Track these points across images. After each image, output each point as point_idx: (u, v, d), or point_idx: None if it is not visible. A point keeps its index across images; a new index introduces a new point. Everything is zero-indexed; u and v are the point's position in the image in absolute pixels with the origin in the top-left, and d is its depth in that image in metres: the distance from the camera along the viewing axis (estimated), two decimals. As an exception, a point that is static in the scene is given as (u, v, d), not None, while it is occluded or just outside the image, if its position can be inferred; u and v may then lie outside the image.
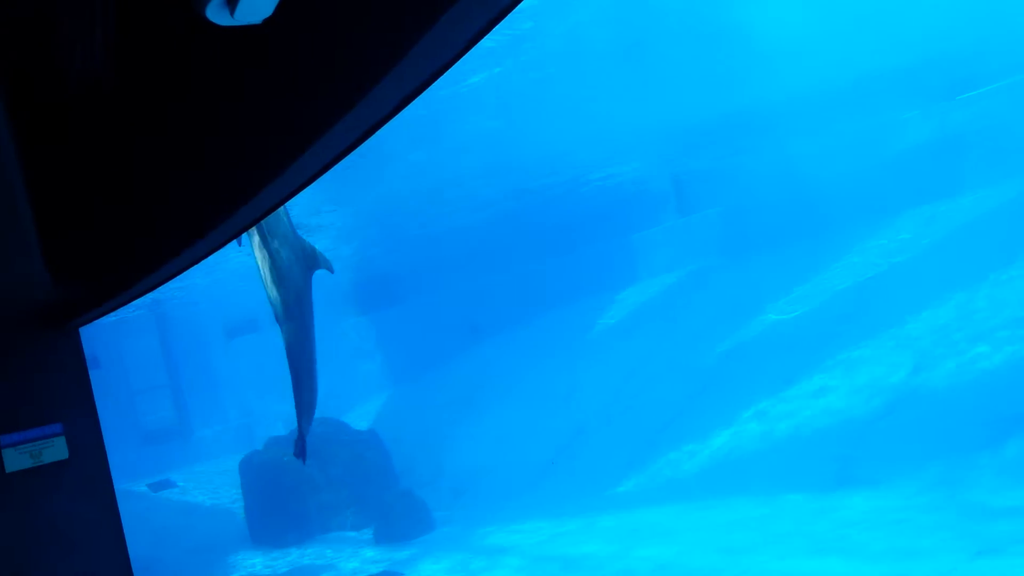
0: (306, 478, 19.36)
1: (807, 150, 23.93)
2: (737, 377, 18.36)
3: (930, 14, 17.50)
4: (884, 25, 17.67)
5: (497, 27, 1.48)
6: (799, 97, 20.82)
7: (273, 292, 9.22)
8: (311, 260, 9.42)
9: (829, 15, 16.64)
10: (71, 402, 4.18)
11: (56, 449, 4.14)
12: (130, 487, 25.92)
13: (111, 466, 4.51)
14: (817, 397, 16.11)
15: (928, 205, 20.86)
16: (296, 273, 9.19)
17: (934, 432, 13.41)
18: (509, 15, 1.43)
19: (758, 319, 20.15)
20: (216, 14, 1.39)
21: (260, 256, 9.12)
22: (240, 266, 23.87)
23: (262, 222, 8.73)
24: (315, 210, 20.16)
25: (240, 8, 1.35)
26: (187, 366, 33.90)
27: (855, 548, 11.06)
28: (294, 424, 20.54)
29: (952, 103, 22.82)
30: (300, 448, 10.24)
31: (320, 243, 23.63)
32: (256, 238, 8.98)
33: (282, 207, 9.26)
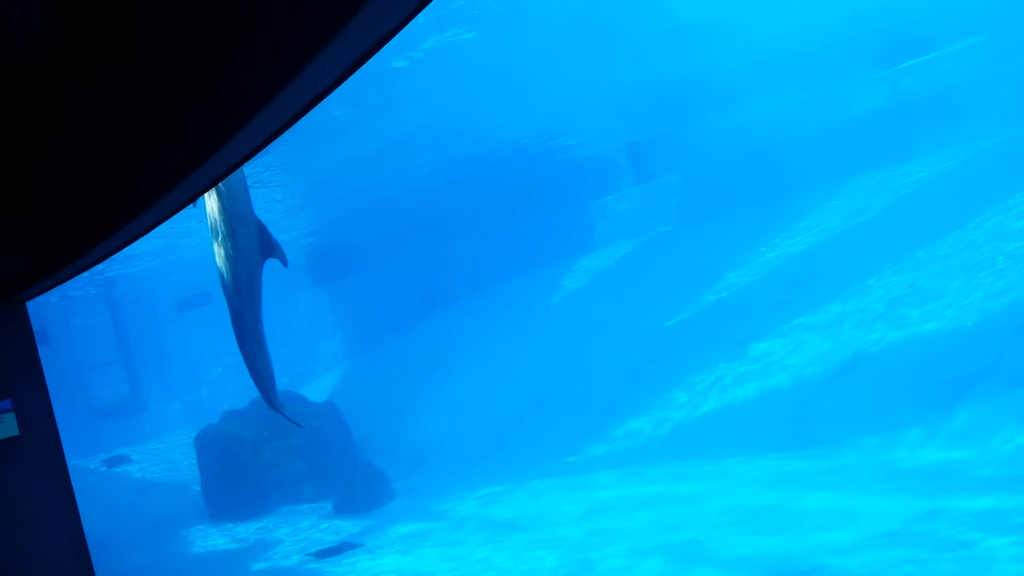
0: (263, 451, 19.27)
1: (761, 116, 24.10)
2: (695, 343, 18.57)
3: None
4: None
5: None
6: (752, 64, 20.92)
7: (226, 269, 9.13)
8: (267, 246, 9.34)
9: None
10: (20, 378, 4.08)
11: (6, 426, 4.04)
12: (84, 463, 25.58)
13: (64, 442, 4.43)
14: (772, 361, 16.36)
15: (879, 170, 21.18)
16: (251, 255, 9.10)
17: (886, 394, 13.71)
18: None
19: (715, 285, 20.37)
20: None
21: (216, 232, 9.01)
22: (191, 238, 23.48)
23: (224, 197, 8.63)
24: (266, 180, 19.86)
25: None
26: (139, 340, 33.43)
27: (808, 510, 11.30)
28: (249, 398, 20.42)
29: (900, 69, 23.11)
30: (283, 416, 10.29)
31: (272, 214, 23.33)
32: (215, 214, 8.87)
33: (245, 185, 9.15)
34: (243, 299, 9.27)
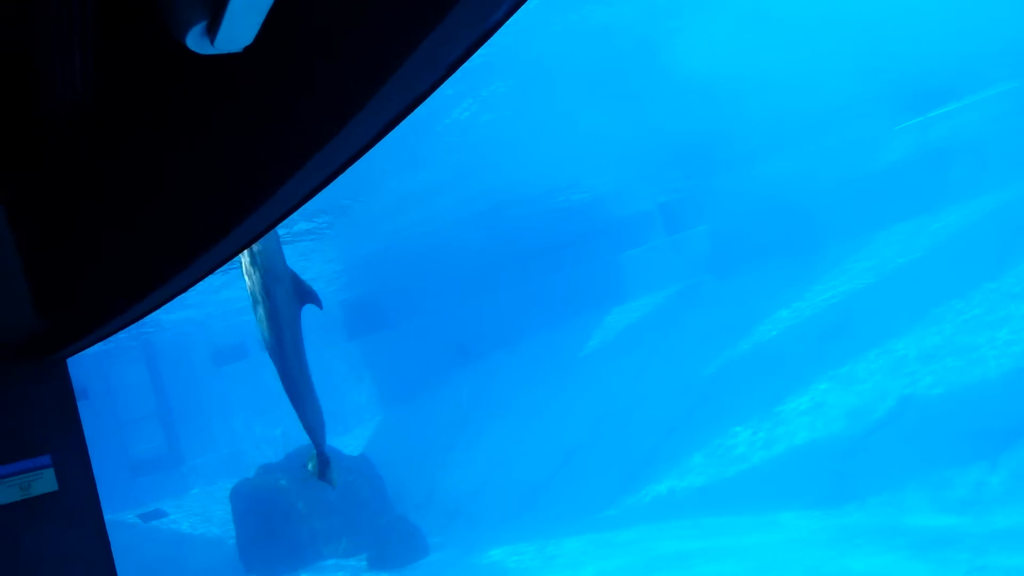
0: (298, 505, 19.23)
1: (791, 168, 24.08)
2: (728, 395, 18.36)
3: (906, 32, 17.68)
4: (863, 43, 17.85)
5: (481, 51, 1.49)
6: (782, 116, 20.98)
7: (266, 328, 9.26)
8: (302, 295, 9.48)
9: (810, 35, 16.80)
10: (59, 434, 4.15)
11: (45, 481, 4.10)
12: (120, 518, 25.67)
13: (101, 497, 4.47)
14: (808, 413, 16.11)
15: (912, 220, 21.00)
16: (290, 311, 9.24)
17: (925, 446, 13.42)
18: (492, 39, 1.43)
19: (748, 336, 20.19)
20: (196, 43, 1.39)
21: (254, 291, 9.16)
22: (227, 293, 23.79)
23: (257, 257, 8.82)
24: (302, 232, 20.14)
25: (220, 37, 1.36)
26: (176, 395, 33.68)
27: (850, 564, 11.03)
28: (284, 451, 20.45)
29: (929, 118, 23.04)
30: (322, 469, 10.34)
31: (307, 266, 23.60)
32: (251, 275, 9.05)
33: (278, 243, 9.34)
34: (288, 354, 9.39)
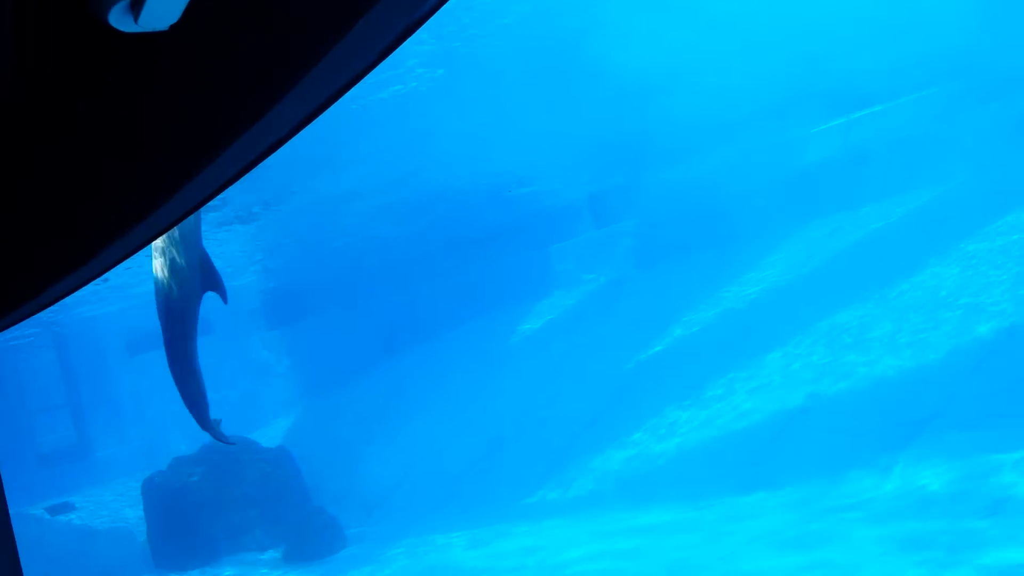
0: (213, 498, 18.82)
1: (717, 165, 24.55)
2: (652, 385, 18.64)
3: (831, 38, 18.18)
4: (789, 47, 18.28)
5: (414, 40, 1.47)
6: (710, 114, 21.34)
7: (164, 287, 8.91)
8: (209, 277, 9.14)
9: (739, 36, 17.14)
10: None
11: (-56, 473, 3.93)
12: (27, 510, 24.77)
13: (6, 489, 4.30)
14: (726, 405, 16.48)
15: (829, 219, 21.64)
16: (192, 280, 8.91)
17: (836, 437, 13.87)
18: (424, 26, 1.42)
19: (673, 327, 20.53)
20: (119, 20, 1.34)
21: (158, 257, 8.86)
22: (144, 281, 23.13)
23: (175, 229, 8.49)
24: (222, 221, 19.71)
25: (145, 14, 1.31)
26: (88, 384, 32.64)
27: (763, 550, 11.33)
28: (198, 444, 20.00)
29: (850, 120, 23.75)
30: (218, 434, 9.87)
31: (228, 255, 23.09)
32: (162, 244, 8.72)
33: (197, 216, 9.00)
34: (175, 319, 9.03)
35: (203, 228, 9.96)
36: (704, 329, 19.77)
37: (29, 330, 26.53)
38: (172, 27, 1.39)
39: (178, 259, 8.74)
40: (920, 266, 17.08)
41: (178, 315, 9.01)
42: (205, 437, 20.11)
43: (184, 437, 27.35)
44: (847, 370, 15.27)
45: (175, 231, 8.60)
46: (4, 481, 4.32)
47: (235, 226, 20.58)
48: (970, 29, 18.70)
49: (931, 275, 16.59)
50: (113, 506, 25.58)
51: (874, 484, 12.48)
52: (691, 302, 21.20)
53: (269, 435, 25.66)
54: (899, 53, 20.16)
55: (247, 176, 1.96)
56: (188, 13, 1.37)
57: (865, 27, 17.82)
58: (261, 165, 1.92)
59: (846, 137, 23.90)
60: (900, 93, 23.19)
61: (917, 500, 11.59)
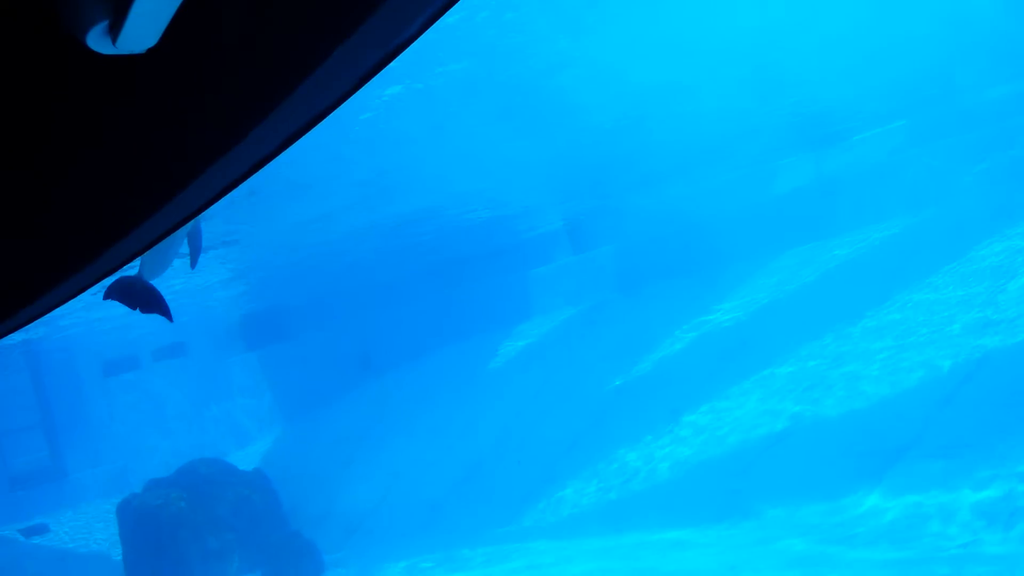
0: (188, 522, 18.61)
1: (694, 191, 24.77)
2: (630, 410, 18.67)
3: (803, 69, 18.44)
4: (763, 79, 18.52)
5: (390, 65, 1.49)
6: (686, 141, 21.56)
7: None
8: (193, 244, 8.91)
9: (713, 64, 17.34)
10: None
11: (-87, 495, 3.88)
12: (0, 532, 24.39)
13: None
14: (706, 431, 16.51)
15: (806, 245, 21.85)
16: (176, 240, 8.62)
17: (817, 464, 13.92)
18: (407, 49, 1.43)
19: (651, 353, 20.59)
20: (97, 42, 1.35)
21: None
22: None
23: None
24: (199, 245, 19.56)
25: (123, 37, 1.32)
26: (61, 405, 32.22)
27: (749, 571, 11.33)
28: (174, 466, 19.79)
29: (823, 151, 24.08)
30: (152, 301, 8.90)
31: (206, 275, 22.97)
32: None
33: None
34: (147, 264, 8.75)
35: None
36: (683, 353, 19.85)
37: (2, 348, 26.23)
38: (149, 50, 1.40)
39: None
40: (895, 292, 17.26)
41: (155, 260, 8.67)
42: (180, 460, 20.05)
43: (158, 460, 27.08)
44: (824, 398, 15.35)
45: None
46: (-26, 504, 4.25)
47: (212, 249, 20.49)
48: (941, 58, 19.05)
49: (904, 303, 16.76)
50: (88, 528, 25.22)
51: (857, 508, 12.53)
52: (670, 327, 21.30)
53: (246, 458, 25.44)
54: (868, 86, 20.49)
55: (223, 199, 1.97)
56: (166, 36, 1.38)
57: (836, 56, 18.09)
58: (237, 188, 1.93)
59: (818, 167, 24.24)
60: (869, 125, 23.57)
61: (897, 525, 11.64)
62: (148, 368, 32.66)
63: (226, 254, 21.42)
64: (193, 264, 9.07)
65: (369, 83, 1.58)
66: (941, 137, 22.51)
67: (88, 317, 24.52)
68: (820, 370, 16.13)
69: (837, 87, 20.16)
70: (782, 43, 16.86)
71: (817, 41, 16.97)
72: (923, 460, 12.56)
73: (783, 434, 15.13)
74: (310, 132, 1.73)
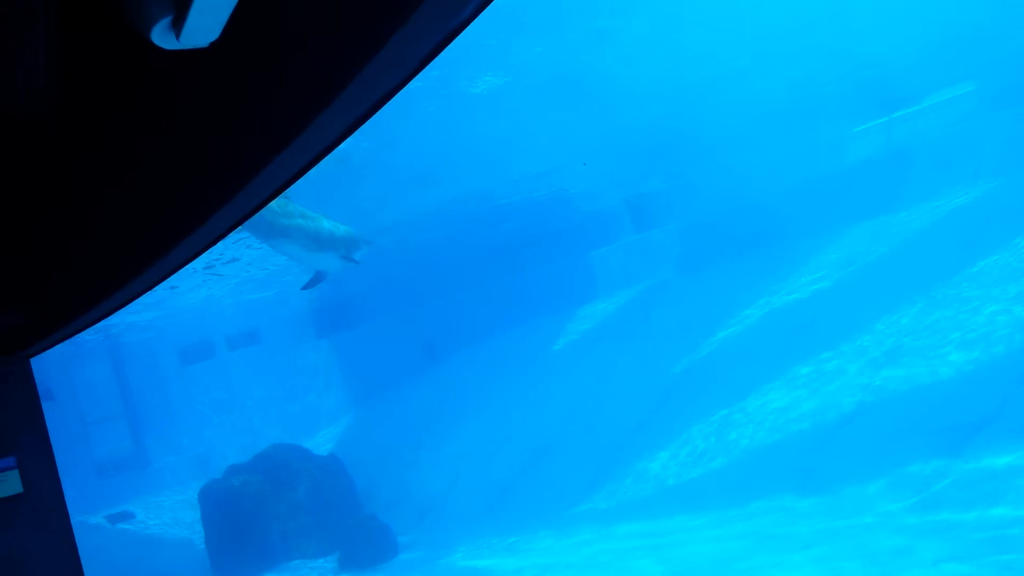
0: (267, 505, 19.09)
1: (758, 166, 24.30)
2: (698, 390, 18.49)
3: (870, 34, 17.92)
4: (828, 45, 18.06)
5: (455, 49, 1.49)
6: (749, 115, 21.17)
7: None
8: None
9: (778, 34, 16.97)
10: (23, 435, 4.09)
11: (9, 483, 4.04)
12: (87, 520, 25.34)
13: (67, 499, 4.41)
14: (776, 410, 16.27)
15: (876, 218, 21.28)
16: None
17: (893, 440, 13.61)
18: (463, 35, 1.44)
19: (715, 333, 20.35)
20: (161, 38, 1.38)
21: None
22: (196, 291, 23.55)
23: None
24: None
25: (186, 31, 1.35)
26: (142, 394, 33.30)
27: (819, 556, 11.17)
28: (252, 452, 20.32)
29: (892, 118, 23.36)
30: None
31: (275, 266, 23.42)
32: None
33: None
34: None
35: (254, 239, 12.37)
36: (748, 332, 19.55)
37: (84, 342, 27.17)
38: (212, 44, 1.44)
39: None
40: (967, 264, 16.72)
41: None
42: (258, 446, 20.60)
43: (239, 446, 27.80)
44: (898, 374, 14.98)
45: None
46: (64, 491, 4.43)
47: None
48: (1007, 19, 18.31)
49: (976, 275, 16.22)
50: (171, 514, 26.04)
51: (931, 483, 12.24)
52: (735, 305, 20.99)
53: (321, 443, 25.98)
54: (935, 50, 19.80)
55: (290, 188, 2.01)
56: (228, 31, 1.41)
57: (902, 26, 17.54)
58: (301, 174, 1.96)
59: (887, 136, 23.52)
60: (938, 90, 22.78)
61: (974, 499, 11.34)
62: (223, 356, 33.51)
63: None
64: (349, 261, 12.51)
65: (432, 64, 1.59)
66: (1014, 101, 21.62)
67: (163, 306, 25.22)
68: (893, 345, 15.74)
69: (905, 52, 19.56)
70: (847, 8, 16.42)
71: (883, 4, 16.49)
72: (1005, 433, 12.18)
73: (857, 411, 14.82)
74: (370, 120, 1.75)
